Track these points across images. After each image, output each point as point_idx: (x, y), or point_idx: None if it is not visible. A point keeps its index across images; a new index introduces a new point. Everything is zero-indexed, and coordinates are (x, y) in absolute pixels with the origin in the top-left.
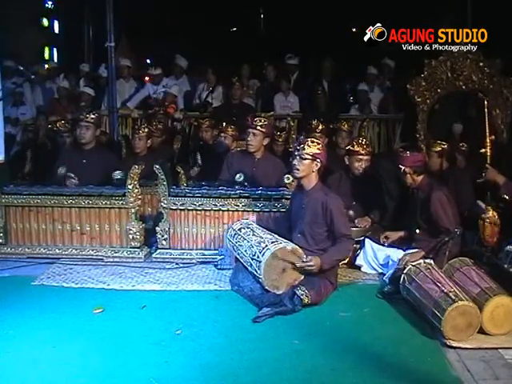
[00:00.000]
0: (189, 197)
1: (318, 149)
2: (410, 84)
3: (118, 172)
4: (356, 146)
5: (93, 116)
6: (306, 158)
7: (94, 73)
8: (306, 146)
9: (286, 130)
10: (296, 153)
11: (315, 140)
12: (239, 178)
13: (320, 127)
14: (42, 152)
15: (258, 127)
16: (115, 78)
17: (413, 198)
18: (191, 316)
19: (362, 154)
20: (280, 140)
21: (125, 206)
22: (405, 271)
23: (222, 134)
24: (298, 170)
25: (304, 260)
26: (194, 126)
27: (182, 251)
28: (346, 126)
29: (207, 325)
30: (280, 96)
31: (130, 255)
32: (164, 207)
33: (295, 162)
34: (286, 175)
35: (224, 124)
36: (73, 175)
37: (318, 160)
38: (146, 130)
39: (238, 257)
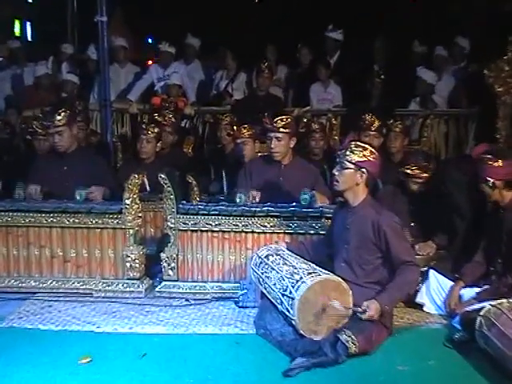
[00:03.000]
0: (203, 214)
1: (365, 155)
2: (489, 69)
3: (80, 190)
4: (412, 170)
5: (61, 117)
6: (347, 168)
7: (80, 55)
8: (348, 152)
9: (326, 130)
10: (337, 159)
11: (361, 144)
12: (239, 200)
13: (376, 124)
14: (12, 157)
15: (282, 129)
16: (108, 62)
17: (496, 219)
18: (205, 367)
19: (419, 178)
20: (317, 142)
21: (121, 225)
22: (481, 313)
23: (238, 140)
24: (337, 181)
25: (358, 310)
26: (210, 125)
27: (194, 284)
28: (398, 127)
29: (226, 379)
30: (318, 86)
31: (128, 289)
32: (171, 228)
33: (335, 171)
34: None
35: (235, 127)
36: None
37: (364, 170)
38: (156, 129)
39: (264, 292)
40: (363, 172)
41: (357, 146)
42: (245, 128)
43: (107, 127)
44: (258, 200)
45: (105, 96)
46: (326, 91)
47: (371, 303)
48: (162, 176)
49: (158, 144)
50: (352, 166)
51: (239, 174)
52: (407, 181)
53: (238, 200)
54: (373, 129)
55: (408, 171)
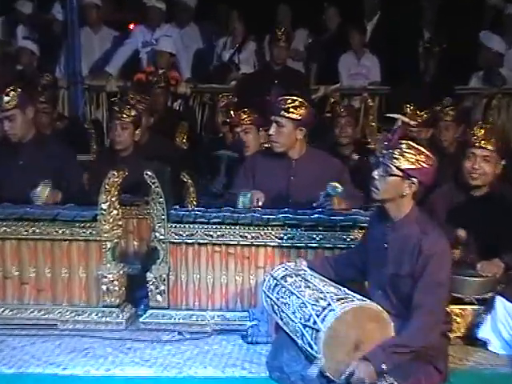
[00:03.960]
0: (201, 223)
1: (418, 162)
2: None
3: (39, 188)
4: (478, 131)
5: (9, 98)
6: (393, 174)
7: (42, 16)
8: (397, 154)
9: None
10: (380, 160)
11: (415, 146)
12: (242, 203)
13: (424, 115)
14: None
15: (285, 113)
16: (77, 25)
17: None
18: None
19: (487, 150)
20: (343, 129)
21: (95, 237)
22: None
23: (238, 129)
24: (377, 189)
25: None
26: (210, 107)
27: (190, 313)
28: (449, 114)
29: None
30: (349, 57)
31: (103, 319)
32: (160, 240)
33: (376, 175)
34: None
35: (232, 112)
36: None
37: (415, 180)
38: (133, 113)
39: (280, 323)
40: (413, 182)
41: (409, 148)
42: (245, 113)
43: (78, 109)
44: (261, 204)
45: (74, 69)
46: (360, 64)
47: (361, 363)
48: (149, 173)
49: (137, 131)
50: (400, 174)
51: (238, 171)
52: (466, 178)
53: (239, 203)
54: (418, 119)
55: (471, 137)
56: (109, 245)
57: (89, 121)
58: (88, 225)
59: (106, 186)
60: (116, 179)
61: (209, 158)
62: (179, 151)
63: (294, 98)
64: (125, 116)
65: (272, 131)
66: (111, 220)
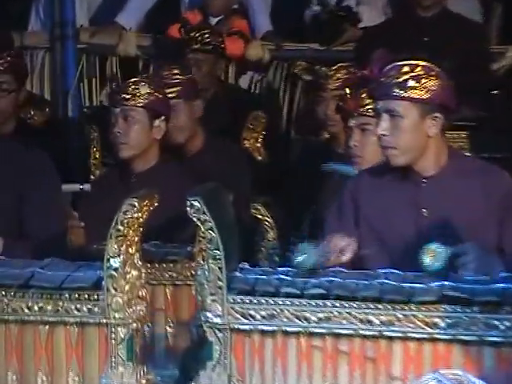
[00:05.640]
0: (289, 295)
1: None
2: None
3: None
4: None
5: None
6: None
7: None
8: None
9: None
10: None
11: (416, 63)
12: (300, 257)
13: None
14: None
15: (405, 91)
16: None
17: None
18: None
19: None
20: None
21: (98, 318)
22: None
23: (353, 122)
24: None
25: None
26: (305, 86)
27: None
28: None
29: None
30: None
31: None
32: (215, 325)
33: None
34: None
35: (349, 91)
36: None
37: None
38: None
39: None
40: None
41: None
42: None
43: (67, 87)
44: (346, 258)
45: (62, 16)
46: None
47: None
48: (195, 203)
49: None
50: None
51: (336, 199)
52: None
53: (297, 261)
54: None
55: None
56: (122, 333)
57: (86, 108)
58: (85, 297)
59: (119, 228)
60: (136, 214)
61: (304, 176)
62: (249, 163)
63: (417, 62)
64: (140, 100)
65: (383, 128)
66: (127, 288)
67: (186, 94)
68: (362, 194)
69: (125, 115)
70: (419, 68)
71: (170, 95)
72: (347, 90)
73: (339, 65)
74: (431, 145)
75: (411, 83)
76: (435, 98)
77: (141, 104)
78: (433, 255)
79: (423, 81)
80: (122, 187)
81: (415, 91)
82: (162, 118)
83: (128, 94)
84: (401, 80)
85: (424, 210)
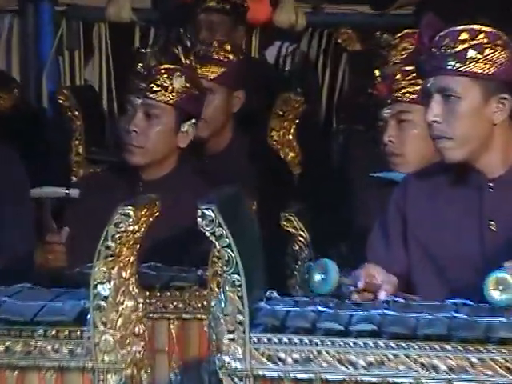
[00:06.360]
0: (329, 333)
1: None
2: None
3: None
4: None
5: None
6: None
7: None
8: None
9: None
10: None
11: (477, 29)
12: (321, 273)
13: None
14: None
15: (462, 64)
16: None
17: None
18: None
19: None
20: None
21: (82, 362)
22: None
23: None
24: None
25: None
26: (353, 62)
27: None
28: None
29: None
30: None
31: None
32: (234, 371)
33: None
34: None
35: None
36: None
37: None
38: (183, 83)
39: None
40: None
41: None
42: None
43: (40, 64)
44: (383, 296)
45: None
46: None
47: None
48: (205, 210)
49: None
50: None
51: (382, 212)
52: None
53: (313, 285)
54: None
55: None
56: (113, 381)
57: (66, 89)
58: (65, 334)
59: (109, 244)
60: (132, 227)
61: (348, 179)
62: (280, 164)
63: (480, 27)
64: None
65: (434, 113)
66: (119, 323)
67: (227, 80)
68: (410, 204)
69: (147, 111)
70: (482, 35)
71: (205, 75)
72: (376, 72)
73: (405, 31)
74: (497, 135)
75: (472, 54)
76: (502, 74)
77: (171, 101)
78: (502, 287)
79: (487, 51)
80: (123, 197)
81: (477, 64)
82: (192, 121)
83: (157, 84)
84: (458, 50)
85: (491, 223)
